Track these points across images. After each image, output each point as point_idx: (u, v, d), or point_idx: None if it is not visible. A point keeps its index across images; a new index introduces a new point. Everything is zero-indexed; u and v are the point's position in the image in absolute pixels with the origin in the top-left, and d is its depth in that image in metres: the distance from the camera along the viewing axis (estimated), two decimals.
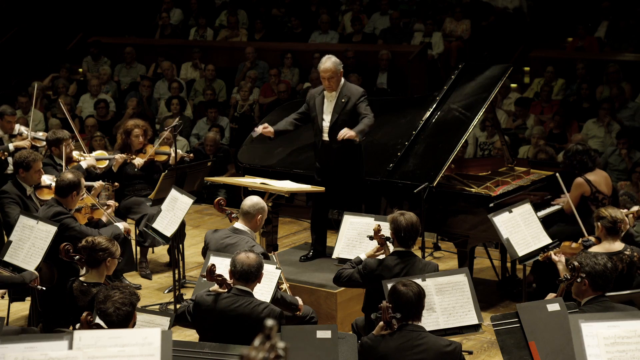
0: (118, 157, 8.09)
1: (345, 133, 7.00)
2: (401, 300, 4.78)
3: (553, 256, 6.09)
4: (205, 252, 6.30)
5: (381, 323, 4.80)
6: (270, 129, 7.45)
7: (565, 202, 7.35)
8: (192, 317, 5.20)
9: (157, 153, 8.37)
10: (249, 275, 5.10)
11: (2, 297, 6.23)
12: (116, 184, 7.76)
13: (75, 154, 8.03)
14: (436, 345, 4.76)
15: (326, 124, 7.29)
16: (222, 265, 5.36)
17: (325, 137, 7.32)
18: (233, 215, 6.42)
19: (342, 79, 7.31)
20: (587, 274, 5.04)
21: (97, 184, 7.47)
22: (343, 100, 7.23)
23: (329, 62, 7.19)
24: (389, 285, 5.28)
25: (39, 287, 6.06)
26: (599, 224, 6.01)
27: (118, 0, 15.66)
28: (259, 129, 7.48)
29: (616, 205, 8.64)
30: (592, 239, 6.14)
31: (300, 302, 6.04)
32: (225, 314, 5.06)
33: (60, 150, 7.82)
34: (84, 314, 4.64)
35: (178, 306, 5.30)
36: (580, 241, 6.21)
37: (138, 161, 8.17)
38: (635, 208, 6.63)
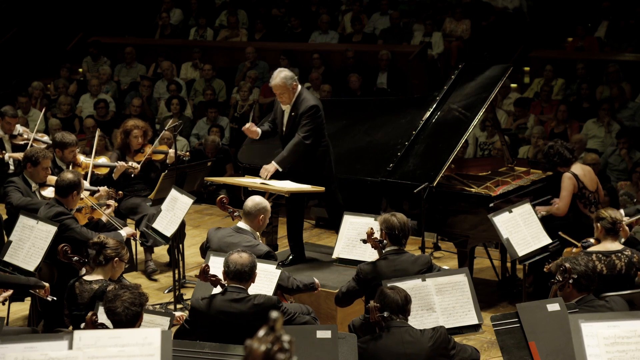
0: (119, 166, 8.07)
1: (265, 174, 7.05)
2: (387, 301, 4.85)
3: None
4: (204, 249, 6.31)
5: None
6: (257, 129, 7.37)
7: (555, 210, 7.24)
8: (190, 323, 5.19)
9: (155, 152, 8.36)
10: (242, 275, 5.10)
11: (3, 304, 6.19)
12: (120, 192, 7.69)
13: (82, 157, 8.02)
14: (423, 338, 4.80)
15: (283, 134, 7.31)
16: (221, 266, 5.35)
17: (282, 147, 7.33)
18: (235, 214, 6.43)
19: (298, 91, 7.20)
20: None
21: (102, 189, 7.44)
22: (293, 114, 7.20)
23: (277, 78, 7.13)
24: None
25: (50, 297, 6.04)
26: (598, 224, 6.00)
27: (118, 0, 15.66)
28: (247, 126, 7.39)
29: (616, 205, 8.67)
30: (591, 240, 6.13)
31: (316, 280, 6.14)
32: (221, 314, 5.06)
33: (62, 154, 7.81)
34: (89, 314, 4.65)
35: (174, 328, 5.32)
36: (580, 243, 6.21)
37: (135, 165, 8.14)
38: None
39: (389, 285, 5.02)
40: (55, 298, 6.05)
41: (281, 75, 7.14)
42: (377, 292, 4.95)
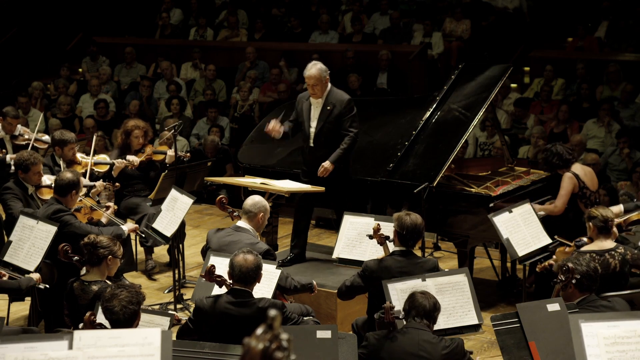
0: (118, 163, 8.07)
1: (323, 173, 7.11)
2: (415, 304, 4.85)
3: (554, 264, 6.09)
4: (204, 252, 6.30)
5: None
6: (281, 130, 7.39)
7: (552, 208, 7.25)
8: (193, 322, 5.19)
9: (155, 152, 8.37)
10: (248, 278, 5.09)
11: None
12: (117, 184, 7.75)
13: (78, 155, 8.03)
14: (439, 346, 4.79)
15: (312, 130, 7.30)
16: (222, 266, 5.36)
17: (312, 143, 7.32)
18: (235, 213, 6.43)
19: (329, 85, 7.28)
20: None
21: (98, 184, 7.47)
22: (328, 107, 7.22)
23: (314, 68, 7.19)
24: (390, 286, 5.31)
25: (42, 285, 6.05)
26: (590, 224, 6.00)
27: (118, 0, 15.66)
28: (271, 126, 7.43)
29: (616, 204, 8.66)
30: (584, 239, 6.13)
31: (314, 282, 6.14)
32: (225, 315, 5.05)
33: (62, 152, 7.82)
34: (87, 314, 4.64)
35: (178, 323, 5.33)
36: (573, 243, 6.20)
37: (132, 158, 8.14)
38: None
39: (420, 290, 5.01)
40: (47, 286, 6.06)
41: (317, 66, 7.22)
42: (408, 296, 4.94)
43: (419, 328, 4.82)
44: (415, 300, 4.87)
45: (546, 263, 6.19)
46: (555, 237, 6.55)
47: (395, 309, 4.93)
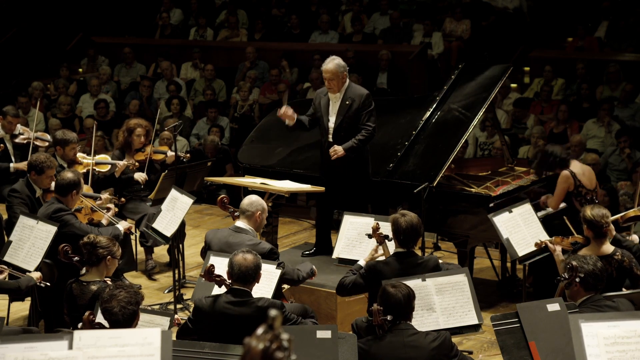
0: (121, 164, 8.06)
1: (335, 154, 7.19)
2: (390, 301, 4.81)
3: (549, 245, 6.10)
4: (204, 253, 6.30)
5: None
6: (294, 115, 7.45)
7: (550, 202, 7.29)
8: (193, 322, 5.19)
9: (155, 152, 8.37)
10: (247, 277, 5.09)
11: None
12: (122, 199, 7.68)
13: (79, 155, 8.02)
14: (426, 341, 4.79)
15: (331, 124, 7.33)
16: (222, 266, 5.35)
17: (330, 138, 7.34)
18: (236, 213, 6.43)
19: (347, 81, 7.33)
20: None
21: (104, 197, 7.40)
22: (347, 102, 7.26)
23: (331, 63, 7.24)
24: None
25: (43, 283, 6.05)
26: (585, 225, 5.97)
27: (118, 0, 15.67)
28: (282, 110, 7.47)
29: (616, 204, 8.67)
30: (578, 239, 6.09)
31: (313, 266, 6.23)
32: (224, 315, 5.05)
33: (64, 151, 7.81)
34: (87, 314, 4.64)
35: (177, 323, 5.33)
36: (569, 240, 6.18)
37: (140, 176, 8.14)
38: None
39: (390, 282, 4.99)
40: (48, 284, 6.05)
41: (335, 61, 7.26)
42: (379, 292, 4.93)
43: (403, 328, 4.80)
44: (389, 297, 4.81)
45: (544, 241, 6.19)
46: (565, 217, 6.56)
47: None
